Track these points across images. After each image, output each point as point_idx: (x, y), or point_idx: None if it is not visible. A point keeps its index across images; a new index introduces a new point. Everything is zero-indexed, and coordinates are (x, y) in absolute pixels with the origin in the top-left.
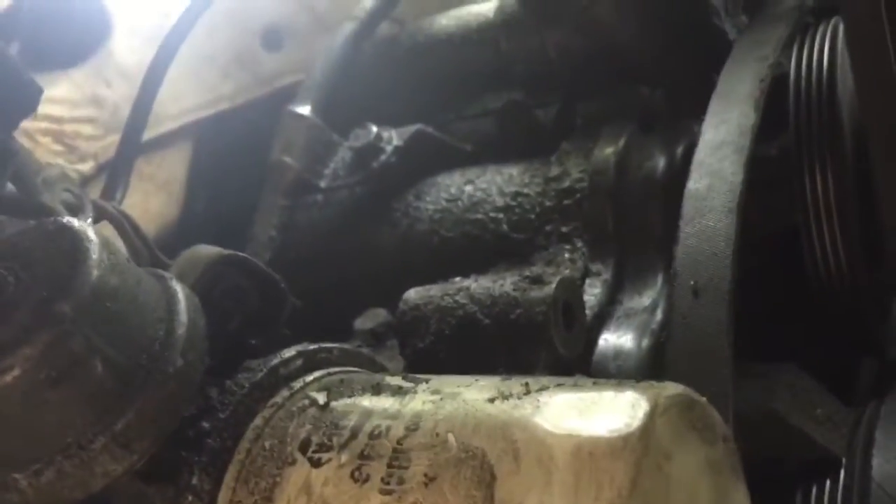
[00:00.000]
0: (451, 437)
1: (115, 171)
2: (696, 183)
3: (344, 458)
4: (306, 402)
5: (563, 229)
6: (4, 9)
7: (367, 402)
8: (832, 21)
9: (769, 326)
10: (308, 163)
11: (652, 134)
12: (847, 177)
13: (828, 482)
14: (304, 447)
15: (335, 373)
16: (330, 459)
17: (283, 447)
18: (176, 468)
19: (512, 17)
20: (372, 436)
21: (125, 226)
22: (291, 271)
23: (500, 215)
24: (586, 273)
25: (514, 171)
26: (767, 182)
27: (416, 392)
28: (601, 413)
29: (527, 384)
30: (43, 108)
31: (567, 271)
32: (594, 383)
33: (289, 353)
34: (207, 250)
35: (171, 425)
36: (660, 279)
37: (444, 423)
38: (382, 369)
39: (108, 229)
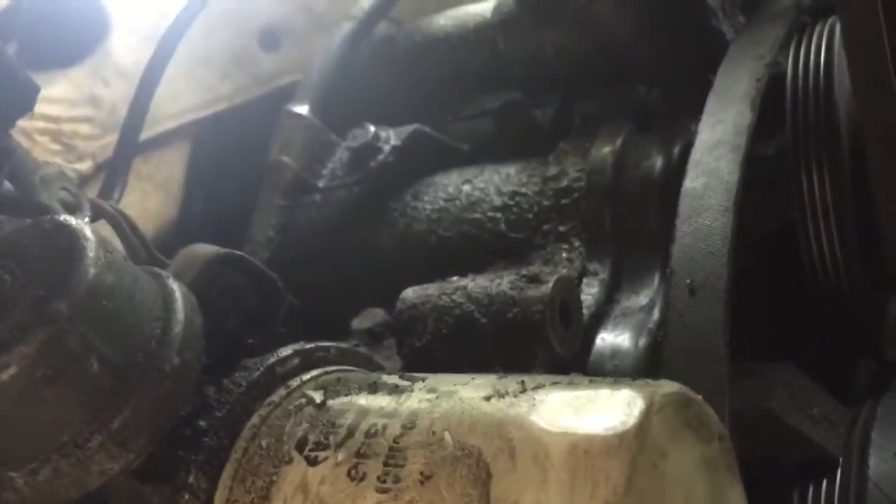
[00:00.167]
0: (447, 436)
1: (113, 171)
2: (692, 182)
3: (340, 456)
4: (303, 400)
5: (561, 229)
6: (2, 8)
7: (363, 400)
8: (829, 20)
9: (766, 325)
10: (306, 163)
11: (649, 133)
12: (844, 176)
13: (824, 481)
14: (300, 446)
15: (332, 371)
16: (326, 458)
17: (280, 446)
18: (172, 467)
19: (509, 17)
20: (368, 434)
21: (122, 225)
22: (289, 271)
23: (498, 215)
24: (584, 272)
25: (511, 170)
26: (764, 181)
27: (412, 391)
28: (597, 411)
29: (523, 382)
30: (41, 108)
31: (564, 270)
32: (590, 381)
33: (286, 351)
34: (205, 249)
35: (167, 424)
36: (657, 278)
37: (441, 421)
38: (379, 368)
39: (105, 228)
